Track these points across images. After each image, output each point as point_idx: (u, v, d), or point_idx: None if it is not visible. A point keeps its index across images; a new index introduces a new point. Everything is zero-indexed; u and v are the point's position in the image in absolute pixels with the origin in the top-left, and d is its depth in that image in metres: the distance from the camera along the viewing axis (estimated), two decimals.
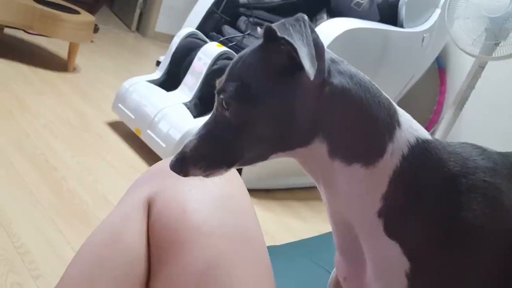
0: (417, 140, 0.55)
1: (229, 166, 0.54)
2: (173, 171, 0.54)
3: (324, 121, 0.53)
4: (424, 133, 0.56)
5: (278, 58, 0.52)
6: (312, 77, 0.48)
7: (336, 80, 0.53)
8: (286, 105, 0.52)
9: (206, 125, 0.55)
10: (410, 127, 0.55)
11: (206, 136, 0.54)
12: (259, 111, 0.52)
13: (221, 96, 0.53)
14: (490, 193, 0.54)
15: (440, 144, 0.56)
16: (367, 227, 0.54)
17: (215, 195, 0.61)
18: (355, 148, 0.53)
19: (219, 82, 0.57)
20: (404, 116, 0.56)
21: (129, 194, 0.65)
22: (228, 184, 0.63)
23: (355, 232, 0.56)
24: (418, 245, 0.53)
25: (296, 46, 0.48)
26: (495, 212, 0.54)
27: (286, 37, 0.49)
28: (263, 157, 0.55)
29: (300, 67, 0.50)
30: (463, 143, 0.60)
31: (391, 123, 0.54)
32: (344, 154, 0.53)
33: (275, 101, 0.52)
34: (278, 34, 0.49)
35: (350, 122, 0.53)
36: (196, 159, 0.53)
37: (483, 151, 0.59)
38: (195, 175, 0.54)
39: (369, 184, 0.53)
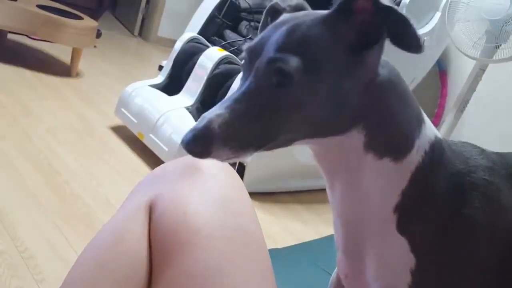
0: (436, 137, 0.56)
1: (257, 149, 0.49)
2: (190, 150, 0.46)
3: (368, 111, 0.51)
4: (437, 132, 0.57)
5: (349, 33, 0.49)
6: (423, 50, 0.46)
7: (384, 71, 0.53)
8: (346, 86, 0.49)
9: (239, 99, 0.48)
10: (430, 125, 0.56)
11: (241, 111, 0.47)
12: (322, 87, 0.48)
13: (281, 66, 0.47)
14: (489, 192, 0.56)
15: (446, 142, 0.58)
16: (380, 223, 0.55)
17: (215, 197, 0.61)
18: (391, 142, 0.53)
19: (252, 50, 0.50)
20: (424, 113, 0.57)
21: (130, 198, 0.65)
22: (228, 186, 0.63)
23: (360, 230, 0.56)
24: (425, 242, 0.54)
25: (406, 16, 0.46)
26: (494, 210, 0.56)
27: (392, 6, 0.46)
28: (291, 142, 0.51)
29: (370, 45, 0.48)
30: (463, 142, 0.62)
31: (420, 119, 0.55)
32: (379, 147, 0.52)
33: (339, 79, 0.49)
34: (381, 3, 0.46)
35: (392, 115, 0.53)
36: (227, 138, 0.46)
37: (482, 151, 0.60)
38: (219, 157, 0.47)
39: (393, 179, 0.53)
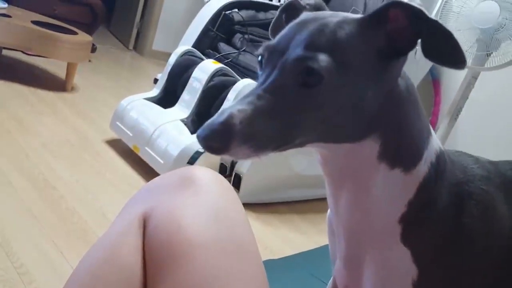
0: (440, 148, 0.56)
1: (274, 149, 0.47)
2: (207, 146, 0.44)
3: (386, 120, 0.51)
4: (440, 143, 0.58)
5: (380, 40, 0.49)
6: (464, 68, 0.46)
7: (402, 81, 0.53)
8: (370, 92, 0.49)
9: (261, 96, 0.45)
10: (435, 136, 0.57)
11: (264, 108, 0.45)
12: (349, 90, 0.47)
13: (310, 65, 0.45)
14: (486, 201, 0.56)
15: (446, 152, 0.58)
16: (384, 233, 0.55)
17: (209, 210, 0.60)
18: (404, 152, 0.53)
19: (274, 47, 0.48)
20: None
21: (124, 211, 0.65)
22: (222, 198, 0.62)
23: (363, 240, 0.56)
24: (427, 252, 0.54)
25: (450, 31, 0.45)
26: (491, 219, 0.57)
27: (435, 19, 0.46)
28: (305, 144, 0.50)
29: (398, 55, 0.48)
30: (458, 151, 0.62)
31: (428, 130, 0.56)
32: (392, 157, 0.52)
33: (365, 83, 0.48)
34: (430, 17, 0.46)
35: (408, 125, 0.53)
36: (248, 136, 0.44)
37: (477, 159, 0.61)
38: (236, 155, 0.44)
39: (401, 189, 0.53)
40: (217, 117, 0.44)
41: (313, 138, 0.50)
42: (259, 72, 0.51)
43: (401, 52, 0.50)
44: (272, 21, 0.61)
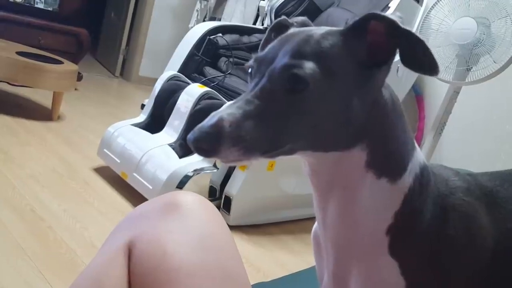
0: (424, 162, 0.58)
1: (263, 154, 0.48)
2: (197, 147, 0.45)
3: (373, 129, 0.52)
4: (423, 157, 0.59)
5: (361, 50, 0.51)
6: (439, 71, 0.47)
7: (387, 92, 0.54)
8: (355, 100, 0.50)
9: (250, 101, 0.48)
10: (419, 150, 0.58)
11: (252, 113, 0.47)
12: (334, 96, 0.49)
13: (296, 72, 0.48)
14: (468, 212, 0.58)
15: (429, 166, 0.60)
16: (372, 245, 0.55)
17: (195, 235, 0.59)
18: (390, 162, 0.54)
19: (262, 58, 0.51)
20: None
21: (109, 240, 0.64)
22: (208, 223, 0.62)
23: (350, 253, 0.56)
24: (415, 264, 0.54)
25: (423, 40, 0.47)
26: (474, 230, 0.57)
27: (408, 29, 0.47)
28: (294, 152, 0.52)
29: (380, 64, 0.50)
30: (438, 165, 0.63)
31: (413, 143, 0.57)
32: (379, 166, 0.53)
33: (349, 91, 0.50)
34: (401, 26, 0.47)
35: (394, 136, 0.54)
36: (237, 139, 0.45)
37: (456, 172, 0.62)
38: (225, 157, 0.46)
39: (388, 200, 0.54)
40: (207, 121, 0.46)
41: (302, 146, 0.51)
42: (249, 83, 0.53)
43: (383, 61, 0.51)
44: (262, 40, 0.63)
